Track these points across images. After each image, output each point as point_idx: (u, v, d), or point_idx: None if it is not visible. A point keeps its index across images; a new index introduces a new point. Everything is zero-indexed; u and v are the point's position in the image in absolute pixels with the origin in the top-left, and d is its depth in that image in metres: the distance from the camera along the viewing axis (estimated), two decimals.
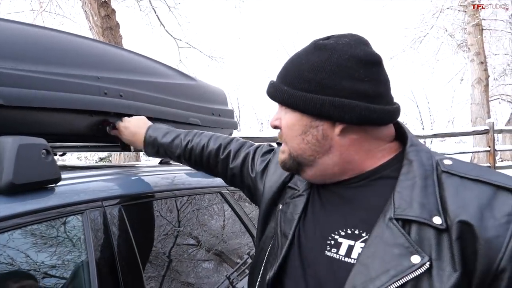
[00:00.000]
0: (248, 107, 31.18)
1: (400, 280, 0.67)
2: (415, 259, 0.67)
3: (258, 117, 30.09)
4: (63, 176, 1.03)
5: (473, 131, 8.31)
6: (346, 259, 0.76)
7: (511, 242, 0.65)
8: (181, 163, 1.29)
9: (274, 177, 1.03)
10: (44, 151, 0.95)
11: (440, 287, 0.65)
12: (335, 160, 0.82)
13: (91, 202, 1.05)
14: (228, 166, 1.17)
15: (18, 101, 1.01)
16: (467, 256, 0.67)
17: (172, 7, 9.19)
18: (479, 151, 8.63)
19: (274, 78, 0.89)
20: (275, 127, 0.90)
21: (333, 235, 0.80)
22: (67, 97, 1.14)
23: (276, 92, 0.84)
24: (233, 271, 1.67)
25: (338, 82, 0.77)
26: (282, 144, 0.90)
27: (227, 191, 1.82)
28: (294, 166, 0.87)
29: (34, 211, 0.90)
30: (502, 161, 12.01)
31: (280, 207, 0.95)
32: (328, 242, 0.80)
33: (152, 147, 1.27)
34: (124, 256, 1.08)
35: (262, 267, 0.92)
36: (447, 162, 0.78)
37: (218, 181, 1.70)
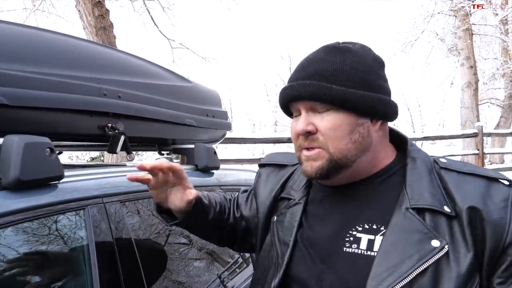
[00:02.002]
0: (241, 108, 31.23)
1: (425, 264, 0.72)
2: (435, 243, 0.74)
3: (250, 118, 30.15)
4: (65, 173, 1.07)
5: (462, 134, 8.44)
6: (369, 252, 0.79)
7: (511, 223, 0.75)
8: (206, 234, 1.10)
9: (265, 193, 1.04)
10: (48, 149, 0.99)
11: (458, 267, 0.73)
12: (369, 158, 0.85)
13: (92, 199, 1.10)
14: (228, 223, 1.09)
15: (22, 101, 1.05)
16: (477, 238, 0.75)
17: (166, 7, 9.22)
18: (468, 154, 8.76)
19: (287, 83, 0.87)
20: (308, 132, 0.84)
21: (351, 231, 0.83)
22: (69, 97, 1.18)
23: (324, 90, 0.80)
24: (224, 270, 1.72)
25: (375, 80, 0.84)
26: (312, 151, 0.84)
27: (221, 190, 1.86)
28: (331, 171, 0.84)
29: (39, 207, 0.94)
30: (491, 164, 12.16)
31: (275, 218, 0.96)
32: (347, 239, 0.82)
33: (198, 213, 1.00)
34: (123, 250, 1.12)
35: (262, 280, 0.93)
36: (443, 160, 0.87)
37: (213, 180, 1.75)
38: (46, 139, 1.01)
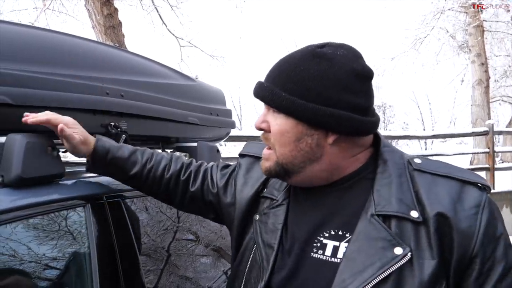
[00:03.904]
0: (250, 106, 31.22)
1: (386, 271, 0.73)
2: (398, 250, 0.74)
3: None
4: (67, 171, 1.09)
5: (473, 132, 8.33)
6: (333, 259, 0.79)
7: (480, 231, 0.74)
8: (131, 184, 1.15)
9: (246, 189, 1.02)
10: (50, 147, 1.01)
11: (421, 274, 0.73)
12: (323, 166, 0.84)
13: (93, 196, 1.11)
14: (188, 187, 1.10)
15: (26, 101, 1.07)
16: (445, 246, 0.75)
17: (174, 6, 9.26)
18: (478, 152, 8.66)
19: (263, 79, 0.88)
20: (261, 129, 0.87)
21: (318, 237, 0.83)
22: (71, 97, 1.19)
23: (273, 96, 0.82)
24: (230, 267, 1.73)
25: (337, 94, 0.79)
26: (267, 151, 0.88)
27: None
28: (281, 173, 0.86)
29: (40, 204, 0.96)
30: (502, 162, 11.99)
31: (257, 217, 0.94)
32: (314, 244, 0.83)
33: (102, 159, 1.08)
34: (123, 248, 1.14)
35: (244, 278, 0.92)
36: (417, 160, 0.85)
37: None
38: (48, 138, 1.03)
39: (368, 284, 0.73)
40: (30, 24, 1.28)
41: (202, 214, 1.15)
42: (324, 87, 0.79)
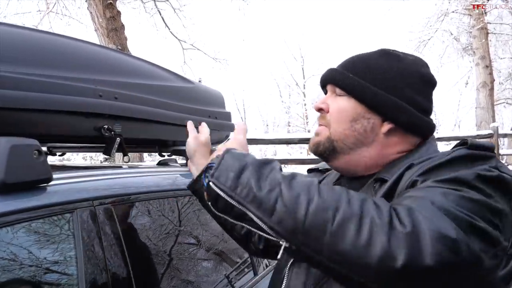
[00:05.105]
0: (254, 109, 31.27)
1: None
2: None
3: (263, 119, 30.11)
4: (55, 176, 1.05)
5: (477, 135, 8.29)
6: None
7: (437, 161, 0.74)
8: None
9: None
10: (36, 151, 0.97)
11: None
12: (372, 154, 0.88)
13: (82, 202, 1.07)
14: None
15: (12, 103, 1.04)
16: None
17: (177, 9, 9.31)
18: None
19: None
20: (319, 109, 0.92)
21: None
22: (61, 99, 1.16)
23: (341, 76, 0.89)
24: (232, 270, 1.69)
25: (402, 87, 0.86)
26: (319, 128, 0.92)
27: None
28: (328, 151, 0.89)
29: (25, 210, 0.92)
30: (508, 165, 11.89)
31: None
32: None
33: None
34: (113, 256, 1.10)
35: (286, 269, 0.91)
36: None
37: None
38: (34, 141, 0.99)
39: None
40: (19, 24, 1.26)
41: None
42: (391, 78, 0.86)
